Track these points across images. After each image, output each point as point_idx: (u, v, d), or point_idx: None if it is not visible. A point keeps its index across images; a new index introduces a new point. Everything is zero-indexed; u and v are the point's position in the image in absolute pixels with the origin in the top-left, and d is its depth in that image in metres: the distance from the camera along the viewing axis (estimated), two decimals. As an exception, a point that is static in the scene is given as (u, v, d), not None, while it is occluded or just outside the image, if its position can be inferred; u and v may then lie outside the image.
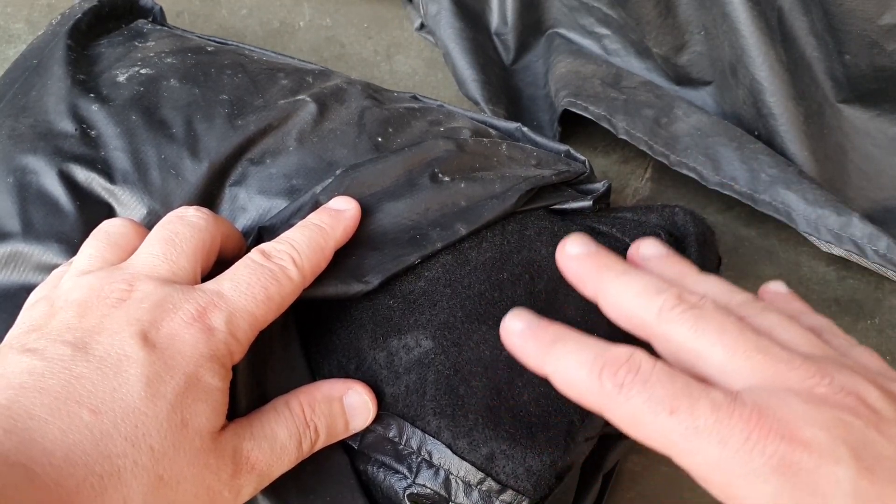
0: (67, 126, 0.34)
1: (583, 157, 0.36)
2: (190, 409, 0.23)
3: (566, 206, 0.34)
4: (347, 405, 0.27)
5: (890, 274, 0.40)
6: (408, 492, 0.27)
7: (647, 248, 0.27)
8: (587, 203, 0.34)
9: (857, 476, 0.19)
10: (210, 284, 0.26)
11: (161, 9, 0.44)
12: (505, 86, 0.49)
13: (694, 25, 0.45)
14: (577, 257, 0.25)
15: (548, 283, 0.30)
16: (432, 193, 0.31)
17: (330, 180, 0.31)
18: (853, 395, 0.20)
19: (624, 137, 0.43)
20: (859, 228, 0.39)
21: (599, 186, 0.35)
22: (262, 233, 0.31)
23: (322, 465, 0.27)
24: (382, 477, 0.27)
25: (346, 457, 0.28)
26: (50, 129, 0.33)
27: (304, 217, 0.29)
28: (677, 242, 0.34)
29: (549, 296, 0.30)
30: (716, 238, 0.36)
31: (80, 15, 0.38)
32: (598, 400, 0.21)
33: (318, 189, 0.31)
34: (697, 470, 0.20)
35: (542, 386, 0.27)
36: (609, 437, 0.33)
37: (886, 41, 0.41)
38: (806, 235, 0.41)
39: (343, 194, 0.31)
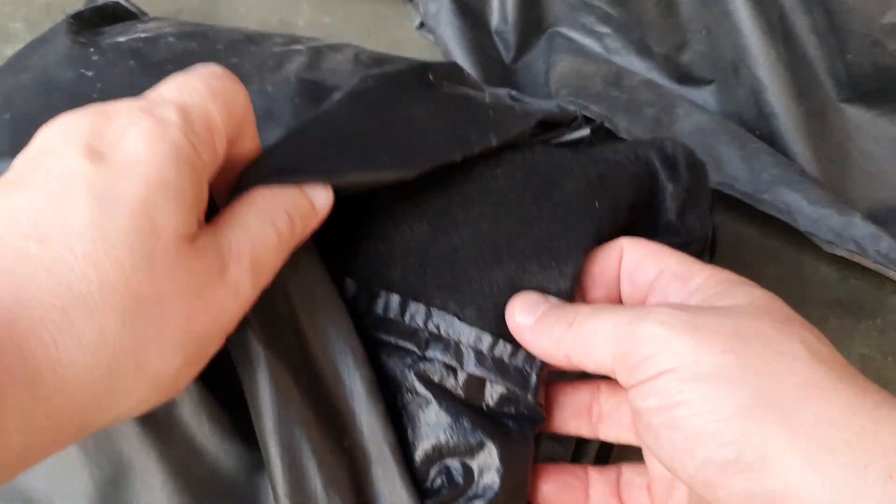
0: (66, 73, 0.34)
1: (573, 107, 0.36)
2: (159, 214, 0.20)
3: (566, 137, 0.34)
4: (306, 188, 0.25)
5: (892, 274, 0.40)
6: (415, 368, 0.26)
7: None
8: (585, 132, 0.34)
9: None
10: (148, 92, 0.23)
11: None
12: (505, 84, 0.49)
13: (695, 24, 0.45)
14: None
15: (542, 175, 0.30)
16: (461, 100, 0.31)
17: (351, 82, 0.30)
18: None
19: (625, 137, 0.43)
20: (861, 228, 0.39)
21: (593, 124, 0.35)
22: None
23: (323, 332, 0.26)
24: (385, 359, 0.26)
25: (348, 319, 0.27)
26: (49, 78, 0.34)
27: (325, 105, 0.28)
28: (669, 167, 0.33)
29: (545, 185, 0.30)
30: (705, 166, 0.35)
31: (81, 9, 0.39)
32: None
33: (336, 94, 0.30)
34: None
35: (546, 242, 0.27)
36: None
37: (888, 40, 0.41)
38: (808, 235, 0.41)
39: (374, 82, 0.30)
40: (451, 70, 0.34)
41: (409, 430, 0.26)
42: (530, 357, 0.26)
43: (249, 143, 0.25)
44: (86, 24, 0.39)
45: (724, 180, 0.41)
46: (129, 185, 0.20)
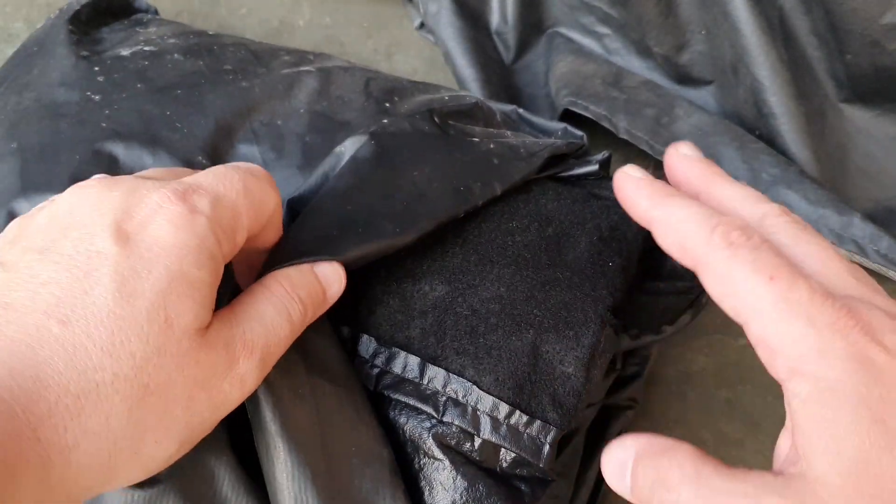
0: (72, 95, 0.33)
1: (580, 133, 0.36)
2: (174, 307, 0.21)
3: (572, 172, 0.34)
4: (319, 273, 0.25)
5: (891, 274, 0.40)
6: (433, 431, 0.26)
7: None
8: (593, 167, 0.34)
9: None
10: (186, 178, 0.24)
11: (156, 9, 0.44)
12: (505, 85, 0.49)
13: (695, 25, 0.45)
14: (689, 159, 0.25)
15: (555, 227, 0.31)
16: (467, 149, 0.31)
17: (354, 138, 0.31)
18: None
19: (625, 137, 0.43)
20: (860, 228, 0.39)
21: (600, 157, 0.36)
22: (292, 204, 0.30)
23: (343, 413, 0.27)
24: (405, 419, 0.27)
25: (366, 401, 0.27)
26: (54, 99, 0.33)
27: (331, 180, 0.29)
28: None
29: (559, 238, 0.30)
30: None
31: (78, 7, 0.39)
32: (702, 251, 0.22)
33: (340, 149, 0.31)
34: (775, 340, 0.20)
35: (563, 311, 0.28)
36: (611, 408, 0.33)
37: (888, 40, 0.41)
38: (807, 235, 0.40)
39: (379, 145, 0.30)
40: (458, 108, 0.34)
41: (427, 493, 0.26)
42: (544, 427, 0.26)
43: (273, 236, 0.26)
44: (84, 25, 0.38)
45: (724, 180, 0.41)
46: (151, 275, 0.21)
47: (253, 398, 0.25)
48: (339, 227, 0.27)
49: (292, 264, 0.25)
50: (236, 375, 0.22)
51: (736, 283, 0.21)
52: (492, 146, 0.32)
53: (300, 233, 0.27)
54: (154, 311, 0.20)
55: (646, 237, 0.33)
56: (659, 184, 0.24)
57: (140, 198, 0.22)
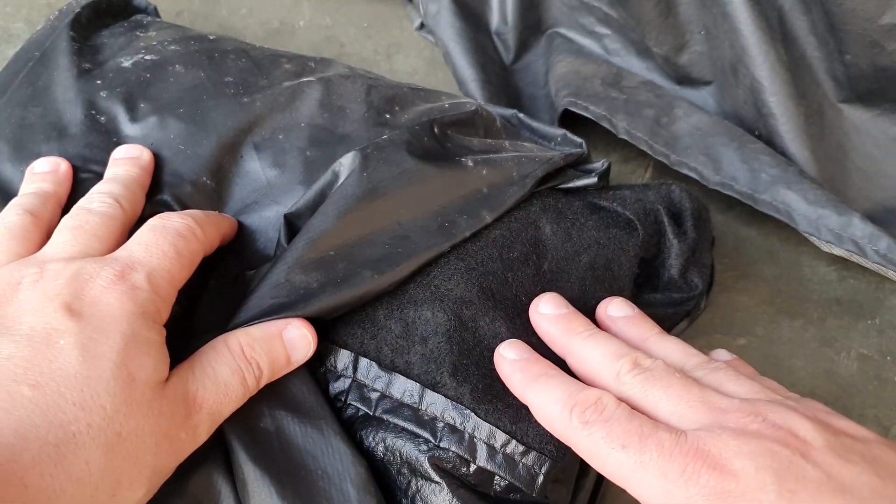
0: (77, 114, 0.34)
1: (579, 140, 0.37)
2: (134, 364, 0.23)
3: (571, 184, 0.35)
4: (287, 339, 0.27)
5: (890, 274, 0.40)
6: (429, 455, 0.27)
7: (615, 309, 0.30)
8: (592, 180, 0.35)
9: (779, 499, 0.21)
10: (120, 251, 0.27)
11: (155, 8, 0.44)
12: (505, 85, 0.49)
13: (694, 25, 0.45)
14: (547, 318, 0.29)
15: (551, 262, 0.31)
16: (456, 179, 0.32)
17: (351, 156, 0.31)
18: (784, 429, 0.22)
19: (624, 137, 0.43)
20: (860, 228, 0.39)
21: (599, 165, 0.36)
22: (289, 218, 0.31)
23: (308, 440, 0.27)
24: (402, 443, 0.27)
25: (333, 426, 0.28)
26: (60, 117, 0.34)
27: (327, 198, 0.30)
28: (675, 217, 0.34)
29: (554, 275, 0.31)
30: (710, 215, 0.37)
31: (78, 10, 0.39)
32: (566, 433, 0.25)
33: (338, 167, 0.31)
34: (647, 501, 0.23)
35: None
36: None
37: (887, 41, 0.41)
38: (806, 235, 0.41)
39: (370, 177, 0.30)
40: (457, 118, 0.35)
41: None
42: (540, 458, 0.26)
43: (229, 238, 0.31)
44: (84, 30, 0.39)
45: (723, 180, 0.41)
46: (109, 339, 0.23)
47: (222, 433, 0.26)
48: (318, 279, 0.28)
49: (263, 322, 0.27)
50: (191, 426, 0.25)
51: (598, 458, 0.24)
52: (484, 172, 0.32)
53: (279, 281, 0.28)
54: (117, 368, 0.23)
55: (645, 249, 0.33)
56: (527, 363, 0.27)
57: (84, 282, 0.24)
